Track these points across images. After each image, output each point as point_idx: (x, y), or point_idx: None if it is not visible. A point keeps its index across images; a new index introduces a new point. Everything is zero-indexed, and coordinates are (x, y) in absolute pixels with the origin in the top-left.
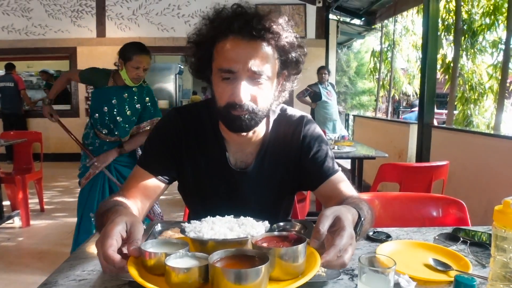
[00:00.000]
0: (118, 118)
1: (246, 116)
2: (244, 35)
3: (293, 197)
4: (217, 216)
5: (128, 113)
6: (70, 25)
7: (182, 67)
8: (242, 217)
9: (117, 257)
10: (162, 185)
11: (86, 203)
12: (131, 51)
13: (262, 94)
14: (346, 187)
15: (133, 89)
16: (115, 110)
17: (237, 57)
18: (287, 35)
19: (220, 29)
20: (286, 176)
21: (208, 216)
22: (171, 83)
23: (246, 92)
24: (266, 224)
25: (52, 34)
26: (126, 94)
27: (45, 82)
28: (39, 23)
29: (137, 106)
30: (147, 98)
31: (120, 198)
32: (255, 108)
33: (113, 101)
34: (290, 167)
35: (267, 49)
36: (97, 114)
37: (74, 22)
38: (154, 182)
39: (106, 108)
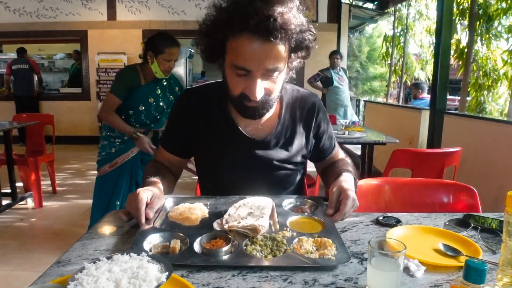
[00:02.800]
0: (157, 115)
1: (259, 107)
2: (259, 34)
3: (304, 169)
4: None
5: (164, 107)
6: (81, 8)
7: (192, 51)
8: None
9: (144, 203)
10: (181, 159)
11: (114, 191)
12: (163, 43)
13: (275, 86)
14: (337, 155)
15: (163, 81)
16: (152, 107)
17: (252, 57)
18: (300, 28)
19: (234, 24)
20: (300, 149)
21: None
22: (181, 67)
23: (260, 90)
24: (270, 201)
25: (63, 17)
26: (159, 90)
27: (72, 64)
28: (50, 6)
29: (170, 97)
30: (176, 88)
31: (156, 171)
32: (268, 99)
33: (149, 100)
34: (304, 142)
35: (281, 46)
36: (131, 111)
37: (85, 5)
38: (173, 158)
39: (143, 107)
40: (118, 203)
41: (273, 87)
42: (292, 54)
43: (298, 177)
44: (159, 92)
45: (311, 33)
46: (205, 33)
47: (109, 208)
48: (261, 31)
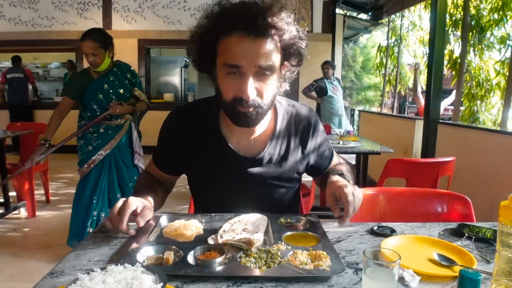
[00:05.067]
0: (114, 98)
1: (252, 112)
2: (249, 32)
3: (299, 187)
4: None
5: (121, 91)
6: (77, 17)
7: (187, 60)
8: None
9: (130, 207)
10: (173, 177)
11: (108, 186)
12: (80, 41)
13: (267, 88)
14: (334, 162)
15: (114, 69)
16: (110, 92)
17: (243, 54)
18: (290, 29)
19: (224, 25)
20: (294, 166)
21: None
22: (176, 77)
23: (252, 89)
24: (265, 218)
25: (58, 26)
26: (112, 77)
27: (65, 73)
28: (46, 15)
29: (125, 82)
30: (128, 74)
31: (149, 183)
32: (261, 103)
33: (104, 87)
34: (299, 159)
35: (271, 44)
36: (94, 104)
37: (80, 14)
38: (165, 176)
39: (101, 95)
40: (119, 195)
41: (265, 89)
42: (285, 62)
43: (293, 192)
44: (112, 78)
45: (302, 36)
46: (196, 39)
47: (112, 203)
48: (251, 28)
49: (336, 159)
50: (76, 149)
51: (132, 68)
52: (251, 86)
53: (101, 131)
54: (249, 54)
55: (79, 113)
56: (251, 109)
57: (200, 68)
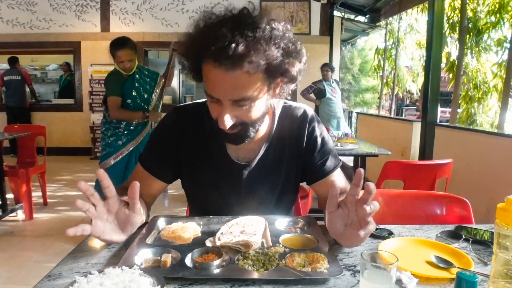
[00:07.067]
0: (145, 95)
1: (236, 134)
2: (221, 62)
3: (296, 192)
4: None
5: (147, 87)
6: (75, 19)
7: (185, 62)
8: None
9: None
10: (163, 183)
11: (124, 177)
12: (112, 49)
13: (249, 113)
14: (340, 183)
15: (136, 75)
16: (141, 89)
17: (217, 86)
18: (273, 53)
19: (200, 50)
20: (290, 171)
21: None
22: (174, 79)
23: (229, 119)
24: (263, 220)
25: (56, 28)
26: (138, 76)
27: (61, 76)
28: (44, 17)
29: (147, 79)
30: (146, 71)
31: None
32: (245, 126)
33: (136, 85)
34: (294, 162)
35: (246, 76)
36: (129, 100)
37: (78, 17)
38: (154, 181)
39: (134, 92)
40: None
41: (245, 115)
42: (277, 79)
43: (290, 198)
44: (138, 77)
45: (296, 52)
46: (182, 54)
47: None
48: (223, 58)
49: (340, 176)
50: (100, 145)
51: (146, 68)
52: (228, 117)
53: (131, 128)
54: (223, 86)
55: (104, 118)
56: (234, 131)
57: (193, 79)
